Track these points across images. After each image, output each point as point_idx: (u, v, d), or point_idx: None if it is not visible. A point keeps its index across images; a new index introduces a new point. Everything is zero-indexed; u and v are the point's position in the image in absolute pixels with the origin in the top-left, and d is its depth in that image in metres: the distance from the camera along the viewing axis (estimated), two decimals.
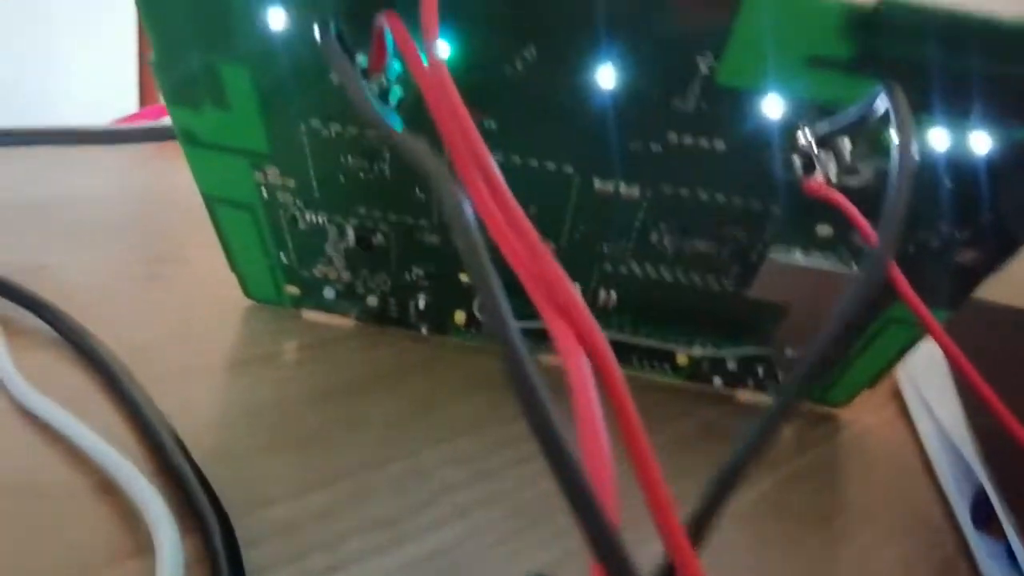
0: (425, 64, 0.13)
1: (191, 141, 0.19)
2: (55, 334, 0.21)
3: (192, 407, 0.20)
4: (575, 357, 0.10)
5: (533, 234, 0.10)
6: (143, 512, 0.15)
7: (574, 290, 0.10)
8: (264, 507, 0.17)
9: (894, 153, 0.13)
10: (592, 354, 0.10)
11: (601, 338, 0.10)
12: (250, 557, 0.15)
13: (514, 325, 0.09)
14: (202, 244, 0.25)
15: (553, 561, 0.17)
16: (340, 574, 0.15)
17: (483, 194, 0.11)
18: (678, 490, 0.10)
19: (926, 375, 0.25)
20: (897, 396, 0.26)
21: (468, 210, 0.10)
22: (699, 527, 0.09)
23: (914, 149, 0.13)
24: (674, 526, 0.09)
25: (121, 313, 0.23)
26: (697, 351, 0.23)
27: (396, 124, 0.13)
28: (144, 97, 0.51)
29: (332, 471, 0.18)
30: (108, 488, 0.16)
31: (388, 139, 0.12)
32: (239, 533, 0.15)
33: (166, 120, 0.33)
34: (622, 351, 0.24)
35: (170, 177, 0.35)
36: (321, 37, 0.14)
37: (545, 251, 0.10)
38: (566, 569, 0.17)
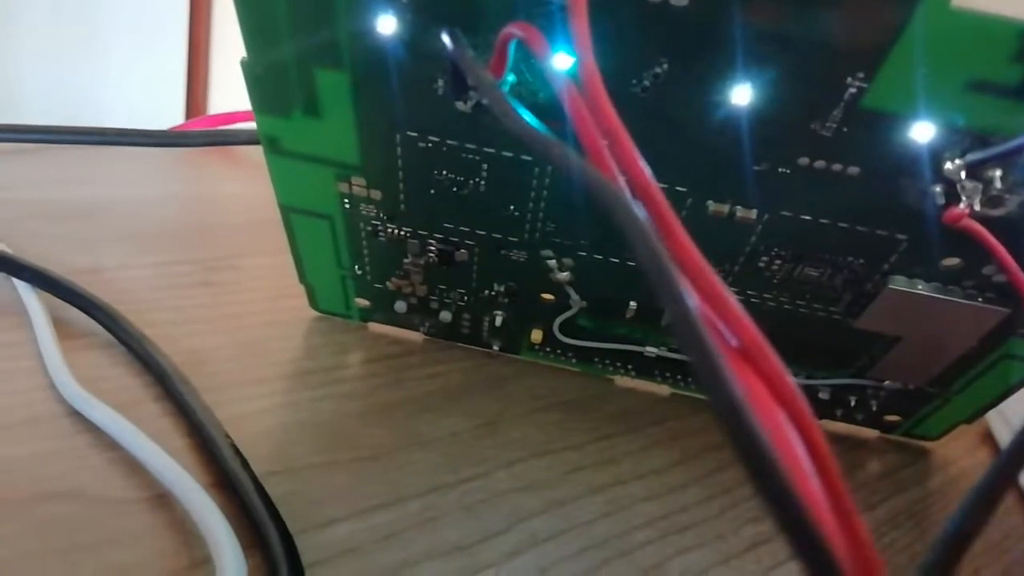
0: (565, 75, 0.12)
1: (275, 149, 0.18)
2: (110, 337, 0.20)
3: (249, 418, 0.19)
4: (774, 415, 0.08)
5: (705, 265, 0.09)
6: (200, 526, 0.14)
7: (758, 330, 0.09)
8: (326, 526, 0.16)
9: None
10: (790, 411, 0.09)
11: (794, 390, 0.09)
12: None
13: (731, 375, 0.08)
14: (255, 253, 0.24)
15: None
16: None
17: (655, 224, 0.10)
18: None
19: (1020, 414, 0.23)
20: (989, 437, 0.25)
21: (652, 232, 0.09)
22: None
23: None
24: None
25: (176, 318, 0.22)
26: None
27: (549, 135, 0.12)
28: (190, 110, 0.50)
29: (396, 491, 0.17)
30: (162, 499, 0.15)
31: (543, 151, 0.11)
32: (302, 551, 0.14)
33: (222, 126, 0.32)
34: None
35: (223, 184, 0.34)
36: (453, 45, 0.13)
37: (723, 288, 0.09)
38: None
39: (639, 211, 0.09)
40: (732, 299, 0.09)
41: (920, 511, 0.21)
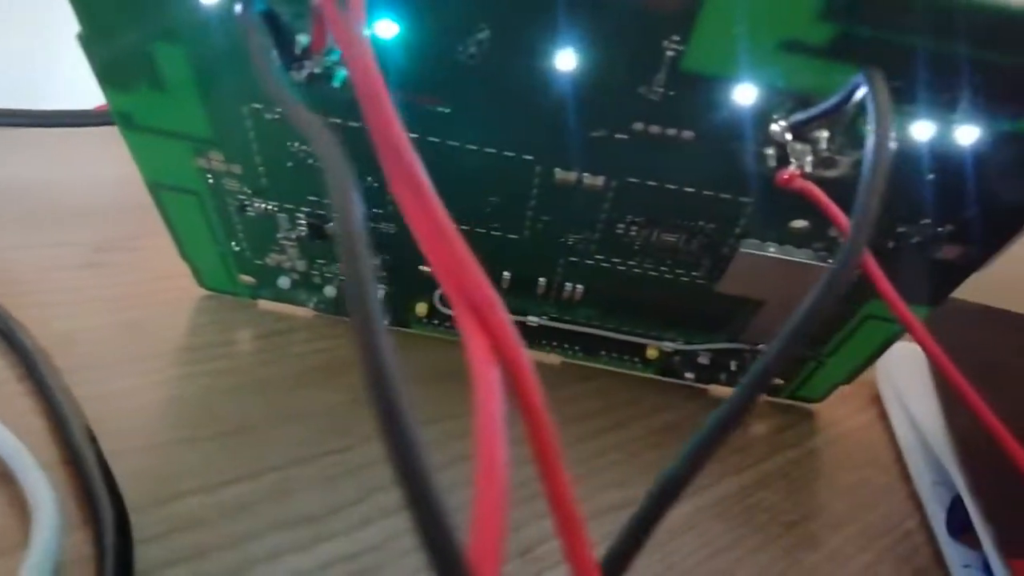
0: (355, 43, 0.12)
1: (128, 124, 0.18)
2: None
3: (119, 396, 0.19)
4: (485, 367, 0.08)
5: (448, 224, 0.09)
6: (30, 502, 0.14)
7: (490, 288, 0.09)
8: (173, 501, 0.16)
9: (869, 141, 0.12)
10: (508, 366, 0.09)
11: (519, 348, 0.09)
12: (147, 553, 0.14)
13: (382, 325, 0.08)
14: (150, 234, 0.24)
15: None
16: (243, 574, 0.15)
17: (398, 180, 0.10)
18: (636, 493, 0.09)
19: (906, 378, 0.24)
20: (877, 400, 0.25)
21: (354, 197, 0.09)
22: (618, 560, 0.08)
23: (891, 138, 0.12)
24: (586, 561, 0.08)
25: (54, 300, 0.22)
26: (668, 345, 0.22)
27: (298, 97, 0.11)
28: None
29: (257, 465, 0.17)
30: (4, 477, 0.15)
31: (289, 113, 0.11)
32: (141, 527, 0.14)
33: None
34: (590, 344, 0.23)
35: (121, 165, 0.34)
36: (242, 9, 0.13)
37: (461, 244, 0.09)
38: None
39: (346, 171, 0.09)
40: (466, 251, 0.09)
41: (792, 471, 0.21)
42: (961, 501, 0.18)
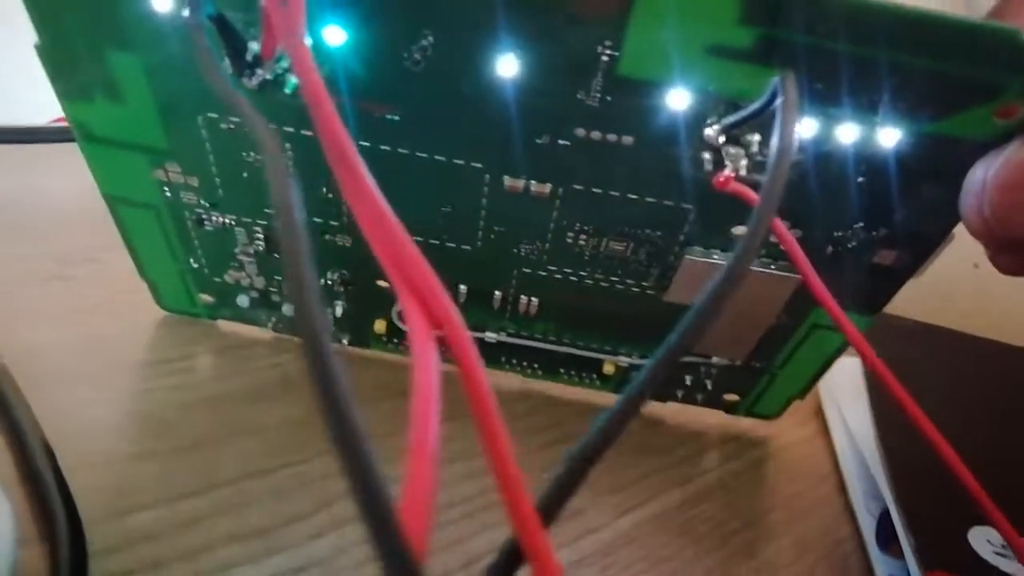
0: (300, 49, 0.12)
1: (86, 136, 0.18)
2: None
3: (76, 411, 0.19)
4: (421, 337, 0.09)
5: (388, 214, 0.10)
6: None
7: (430, 270, 0.09)
8: (129, 514, 0.16)
9: (774, 136, 0.13)
10: (447, 335, 0.09)
11: (456, 318, 0.09)
12: (103, 566, 0.14)
13: (323, 320, 0.08)
14: (116, 246, 0.24)
15: None
16: None
17: (344, 176, 0.10)
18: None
19: (845, 391, 0.24)
20: (820, 414, 0.26)
21: (291, 188, 0.10)
22: (549, 507, 0.08)
23: (794, 133, 0.13)
24: (525, 506, 0.08)
25: (17, 313, 0.22)
26: (623, 359, 0.22)
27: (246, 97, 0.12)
28: None
29: (212, 478, 0.17)
30: None
31: (235, 109, 0.11)
32: (97, 541, 0.14)
33: None
34: (547, 361, 0.23)
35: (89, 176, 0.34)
36: (189, 13, 0.14)
37: (400, 231, 0.10)
38: None
39: (283, 165, 0.09)
40: (404, 234, 0.09)
41: (733, 483, 0.21)
42: (890, 514, 0.18)
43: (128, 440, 0.18)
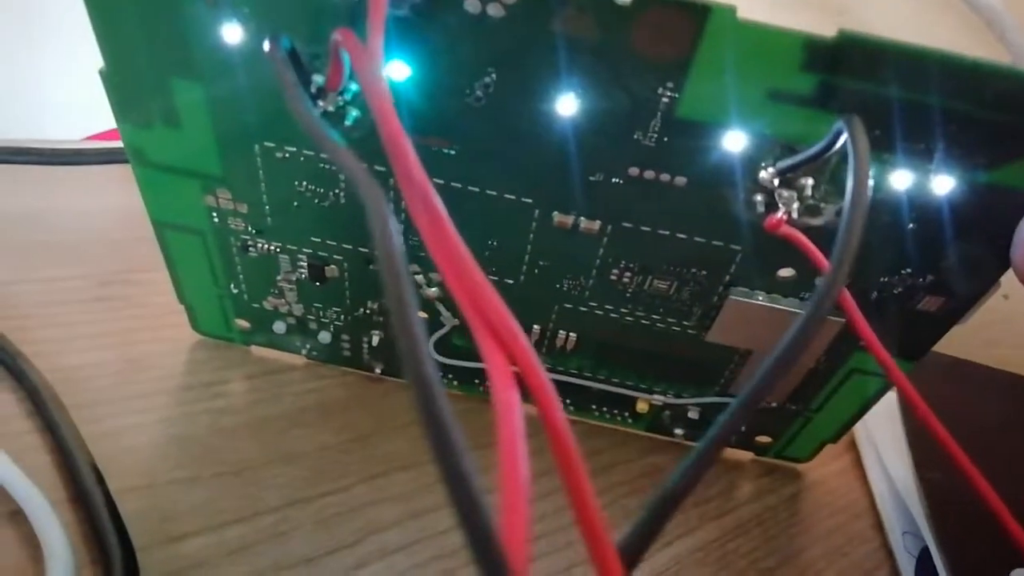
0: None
1: (141, 161, 0.19)
2: None
3: (120, 434, 0.19)
4: (503, 383, 0.09)
5: (467, 256, 0.10)
6: (42, 541, 0.14)
7: (510, 315, 0.09)
8: (178, 541, 0.16)
9: (849, 186, 0.13)
10: (528, 381, 0.09)
11: (536, 362, 0.09)
12: None
13: (428, 352, 0.08)
14: (152, 267, 0.24)
15: None
16: None
17: (423, 219, 0.10)
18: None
19: (881, 427, 0.24)
20: (853, 447, 0.25)
21: (395, 234, 0.10)
22: (633, 551, 0.08)
23: (868, 183, 0.13)
24: (609, 554, 0.08)
25: (62, 334, 0.22)
26: (657, 398, 0.22)
27: (338, 139, 0.12)
28: None
29: (256, 506, 0.17)
30: (16, 516, 0.15)
31: (329, 153, 0.12)
32: (148, 566, 0.14)
33: None
34: (580, 398, 0.23)
35: (123, 197, 0.34)
36: (269, 48, 0.14)
37: (479, 271, 0.10)
38: None
39: (387, 212, 0.10)
40: (483, 277, 0.10)
41: (770, 518, 0.21)
42: (929, 553, 0.18)
43: (171, 464, 0.18)
